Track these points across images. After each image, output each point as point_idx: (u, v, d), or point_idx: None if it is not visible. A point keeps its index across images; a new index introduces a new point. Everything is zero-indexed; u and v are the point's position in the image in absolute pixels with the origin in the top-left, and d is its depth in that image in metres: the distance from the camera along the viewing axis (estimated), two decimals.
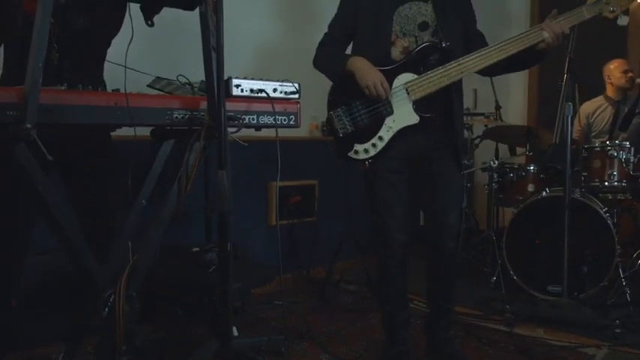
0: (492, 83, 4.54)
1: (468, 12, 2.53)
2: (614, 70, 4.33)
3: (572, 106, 3.02)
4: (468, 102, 4.70)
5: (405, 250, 2.48)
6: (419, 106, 2.34)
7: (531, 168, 3.95)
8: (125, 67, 1.68)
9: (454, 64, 2.30)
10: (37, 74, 1.31)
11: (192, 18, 1.84)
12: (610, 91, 4.37)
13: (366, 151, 2.37)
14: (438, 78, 2.31)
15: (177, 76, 2.62)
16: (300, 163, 3.83)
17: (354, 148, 2.37)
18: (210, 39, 1.60)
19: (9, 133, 1.33)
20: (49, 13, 1.32)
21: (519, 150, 4.26)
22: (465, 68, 2.31)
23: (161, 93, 1.88)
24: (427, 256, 2.61)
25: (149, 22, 1.89)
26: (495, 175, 3.95)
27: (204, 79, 2.45)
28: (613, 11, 2.30)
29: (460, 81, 2.42)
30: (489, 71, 2.45)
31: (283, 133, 3.84)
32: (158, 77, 2.84)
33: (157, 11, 1.88)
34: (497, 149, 4.40)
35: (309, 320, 3.14)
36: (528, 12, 5.82)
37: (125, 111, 1.52)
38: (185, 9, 1.82)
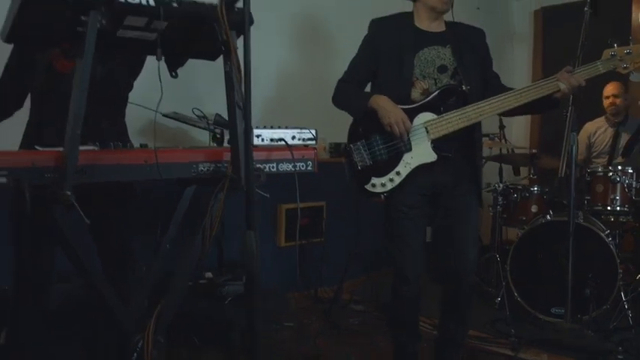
0: None
1: (485, 54, 2.60)
2: (603, 94, 4.44)
3: (576, 136, 3.10)
4: None
5: (420, 283, 2.55)
6: (437, 144, 2.41)
7: (535, 189, 4.02)
8: (155, 117, 1.76)
9: (473, 107, 2.39)
10: (76, 142, 1.38)
11: None
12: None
13: (383, 185, 2.44)
14: (457, 119, 2.39)
15: (192, 109, 2.72)
16: (308, 186, 3.89)
17: (372, 181, 2.45)
18: (235, 96, 1.67)
19: (48, 196, 1.40)
20: (86, 85, 1.39)
21: (523, 170, 4.34)
22: (483, 112, 2.39)
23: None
24: (443, 287, 2.68)
25: (173, 74, 1.96)
26: (500, 198, 4.03)
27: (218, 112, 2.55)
28: (626, 68, 2.38)
29: (480, 122, 2.49)
30: (505, 113, 2.54)
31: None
32: (175, 112, 2.93)
33: (182, 64, 1.95)
34: (500, 169, 4.47)
35: (318, 343, 3.21)
36: (532, 30, 5.91)
37: (154, 167, 1.60)
38: (210, 59, 1.88)
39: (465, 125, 2.40)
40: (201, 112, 2.75)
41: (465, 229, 2.56)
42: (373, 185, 2.45)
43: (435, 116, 2.42)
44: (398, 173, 2.44)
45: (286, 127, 1.97)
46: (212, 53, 1.85)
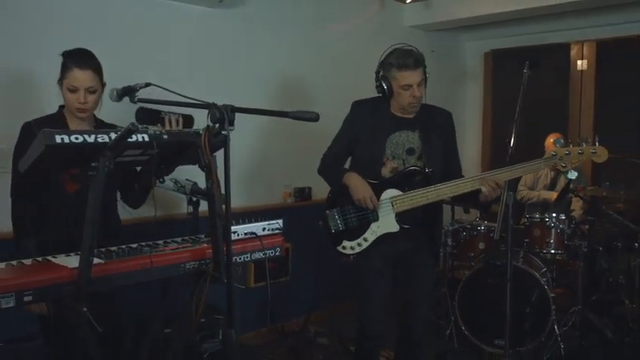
0: None
1: (449, 134, 3.00)
2: (545, 144, 4.89)
3: (512, 195, 3.50)
4: None
5: (381, 338, 2.95)
6: (401, 217, 2.81)
7: (481, 228, 4.45)
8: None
9: (433, 189, 2.77)
10: (89, 267, 1.70)
11: None
12: None
13: (352, 247, 2.85)
14: (418, 197, 2.78)
15: (170, 179, 3.04)
16: None
17: (343, 244, 2.86)
18: (216, 208, 2.00)
19: (65, 310, 1.72)
20: (97, 216, 1.71)
21: (472, 211, 4.76)
22: (441, 193, 2.77)
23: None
24: (399, 334, 3.09)
25: (160, 180, 2.29)
26: (449, 240, 4.44)
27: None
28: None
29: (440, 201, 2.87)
30: (459, 200, 2.96)
31: (260, 202, 4.28)
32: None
33: (168, 173, 2.28)
34: (453, 209, 4.87)
35: None
36: (483, 70, 6.34)
37: (150, 270, 1.93)
38: (194, 165, 2.18)
39: (425, 203, 2.79)
40: (179, 181, 3.10)
41: (419, 288, 2.98)
42: (344, 247, 2.86)
43: (401, 193, 2.81)
44: (365, 239, 2.84)
45: (257, 221, 2.31)
46: (196, 160, 2.18)
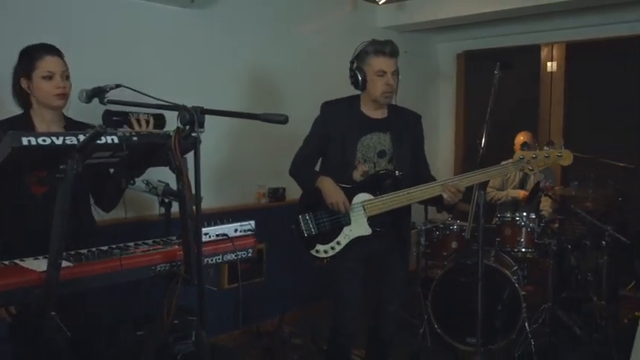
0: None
1: (418, 137, 3.03)
2: (515, 142, 4.98)
3: (483, 194, 3.55)
4: None
5: (353, 335, 2.97)
6: (373, 221, 2.83)
7: (454, 227, 4.50)
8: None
9: (404, 193, 2.80)
10: (57, 271, 1.68)
11: None
12: None
13: (325, 251, 2.87)
14: (390, 201, 2.81)
15: (142, 180, 3.02)
16: None
17: (316, 247, 2.87)
18: (187, 209, 2.00)
19: (35, 316, 1.70)
20: (64, 222, 1.69)
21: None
22: (412, 197, 2.81)
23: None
24: (369, 332, 3.13)
25: (131, 182, 2.28)
26: (422, 239, 4.48)
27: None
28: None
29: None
30: (430, 202, 2.98)
31: (234, 202, 4.28)
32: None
33: (139, 175, 2.27)
34: (426, 209, 4.92)
35: None
36: (455, 71, 6.42)
37: (120, 273, 1.92)
38: (164, 166, 2.17)
39: (397, 207, 2.82)
40: (151, 183, 3.08)
41: (390, 288, 3.03)
42: (317, 251, 2.88)
43: (372, 197, 2.84)
44: (338, 243, 2.86)
45: (229, 222, 2.31)
46: (167, 162, 2.17)
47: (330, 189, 2.80)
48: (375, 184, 2.85)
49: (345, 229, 2.85)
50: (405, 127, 2.94)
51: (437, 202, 2.84)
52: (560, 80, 5.77)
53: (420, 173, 2.94)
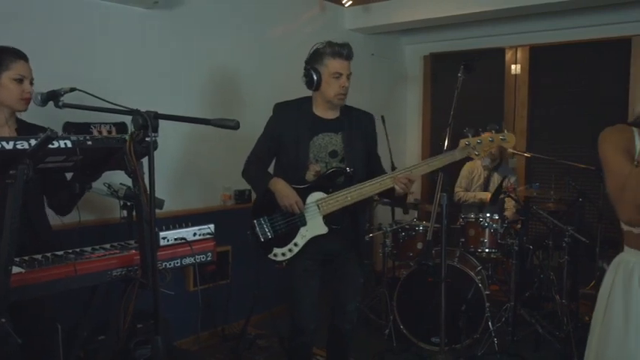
0: (389, 145, 5.01)
1: (371, 137, 3.06)
2: None
3: (445, 196, 3.59)
4: None
5: (313, 333, 2.98)
6: (328, 219, 2.84)
7: (420, 228, 4.54)
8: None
9: (356, 188, 2.81)
10: (7, 277, 1.66)
11: None
12: None
13: (283, 254, 2.87)
14: (342, 198, 2.82)
15: (103, 183, 2.99)
16: (215, 231, 4.22)
17: (274, 251, 2.87)
18: (143, 212, 1.98)
19: None
20: (16, 225, 1.67)
21: (412, 211, 4.86)
22: (364, 192, 2.82)
23: None
24: (329, 332, 3.14)
25: (88, 186, 2.25)
26: (388, 240, 4.51)
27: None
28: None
29: (364, 200, 2.91)
30: (384, 196, 3.00)
31: (198, 204, 4.26)
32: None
33: (96, 179, 2.25)
34: (393, 210, 4.96)
35: None
36: (422, 73, 6.48)
37: (74, 279, 1.90)
38: (121, 170, 2.16)
39: (350, 203, 2.83)
40: (112, 186, 3.05)
41: (346, 287, 3.04)
42: (275, 255, 2.88)
43: (325, 195, 2.85)
44: (296, 244, 2.86)
45: (188, 226, 2.31)
46: (123, 166, 2.15)
47: (283, 191, 2.81)
48: (328, 182, 2.86)
49: (302, 230, 2.85)
50: (357, 127, 2.97)
51: (390, 194, 2.86)
52: (524, 83, 5.87)
53: (375, 172, 2.96)
